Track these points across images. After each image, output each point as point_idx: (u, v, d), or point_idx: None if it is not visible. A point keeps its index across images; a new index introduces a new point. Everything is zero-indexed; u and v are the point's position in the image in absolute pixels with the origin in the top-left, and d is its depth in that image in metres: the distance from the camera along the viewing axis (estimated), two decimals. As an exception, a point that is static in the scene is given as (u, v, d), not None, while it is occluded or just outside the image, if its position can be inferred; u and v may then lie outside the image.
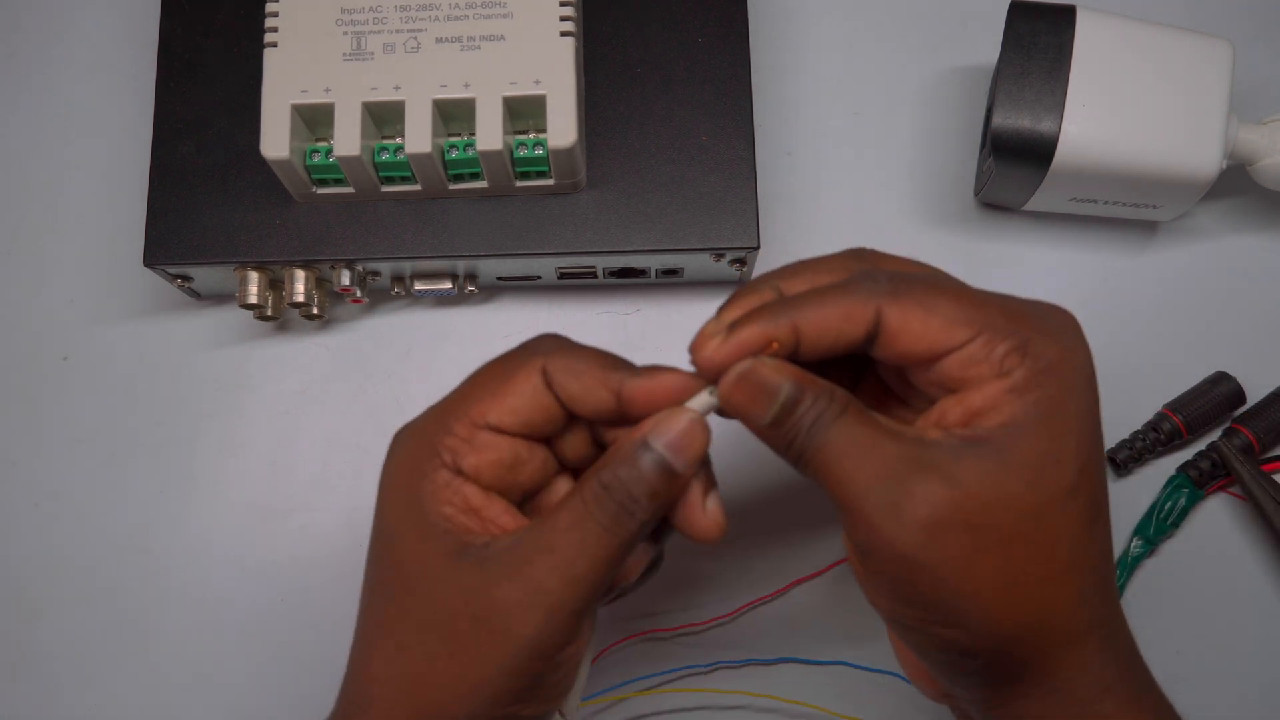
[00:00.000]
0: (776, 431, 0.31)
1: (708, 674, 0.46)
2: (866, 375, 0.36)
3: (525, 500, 0.34)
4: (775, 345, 0.32)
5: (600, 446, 0.35)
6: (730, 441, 0.37)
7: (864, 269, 0.33)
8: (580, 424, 0.34)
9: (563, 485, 0.35)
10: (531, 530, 0.32)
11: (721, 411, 0.33)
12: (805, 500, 0.47)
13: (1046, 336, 0.31)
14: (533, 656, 0.31)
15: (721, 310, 0.33)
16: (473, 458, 0.32)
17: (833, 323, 0.32)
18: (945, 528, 0.30)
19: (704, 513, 0.33)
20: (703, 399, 0.32)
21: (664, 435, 0.31)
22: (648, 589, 0.36)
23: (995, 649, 0.31)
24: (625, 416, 0.33)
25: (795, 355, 0.32)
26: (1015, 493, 0.30)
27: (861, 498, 0.30)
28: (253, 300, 0.46)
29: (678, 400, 0.32)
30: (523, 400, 0.32)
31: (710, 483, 0.34)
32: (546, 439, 0.34)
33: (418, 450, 0.33)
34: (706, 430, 0.32)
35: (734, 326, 0.32)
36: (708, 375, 0.32)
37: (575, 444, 0.35)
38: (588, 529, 0.31)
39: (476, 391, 0.33)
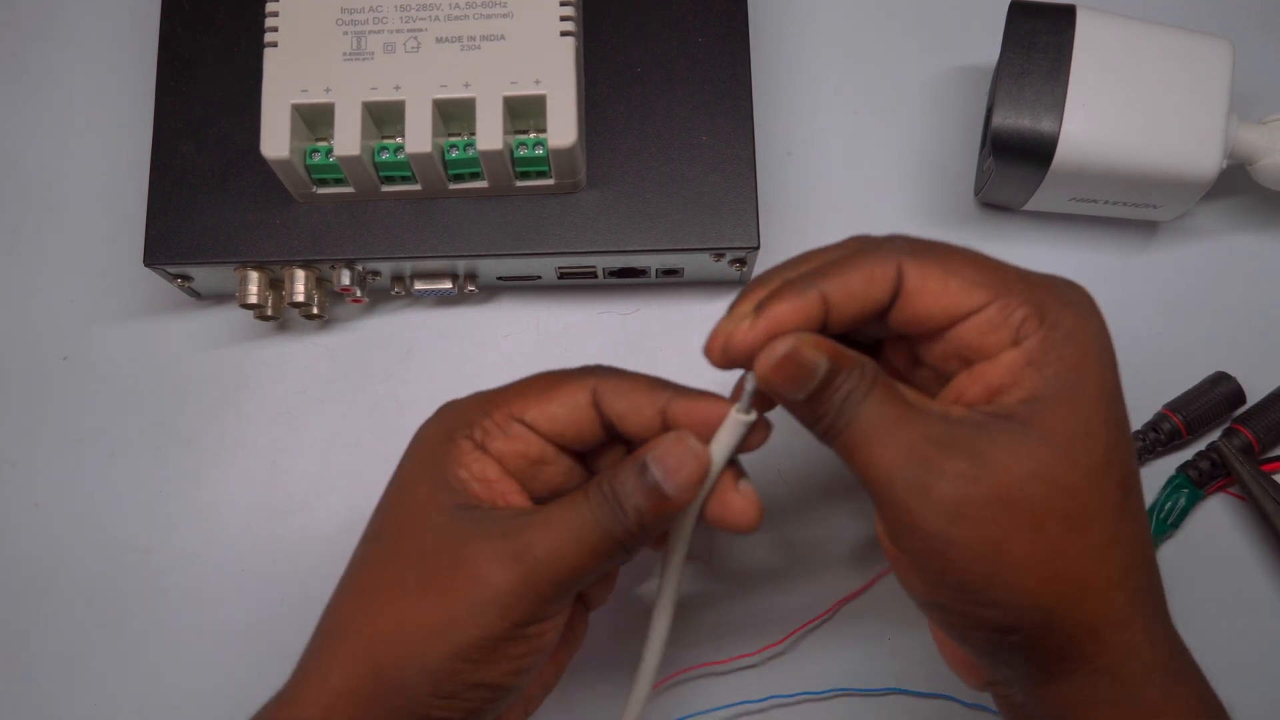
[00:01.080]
0: (811, 408, 0.31)
1: (762, 710, 0.45)
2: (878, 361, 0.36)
3: (542, 501, 0.35)
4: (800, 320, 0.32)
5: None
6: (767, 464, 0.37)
7: (881, 236, 0.33)
8: (619, 445, 0.36)
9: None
10: (532, 509, 0.33)
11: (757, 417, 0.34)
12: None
13: (1063, 304, 0.31)
14: (501, 613, 0.31)
15: (735, 305, 0.33)
16: (501, 443, 0.34)
17: (858, 286, 0.31)
18: (975, 505, 0.29)
19: (737, 493, 0.34)
20: (733, 418, 0.33)
21: (661, 461, 0.32)
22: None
23: (1036, 624, 0.30)
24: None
25: (825, 327, 0.32)
26: (1046, 469, 0.30)
27: (889, 478, 0.30)
28: (253, 300, 0.46)
29: (718, 425, 0.33)
30: (563, 410, 0.34)
31: (740, 472, 0.34)
32: (577, 452, 0.35)
33: (452, 421, 0.34)
34: (703, 464, 0.33)
35: (761, 306, 0.32)
36: (737, 362, 0.32)
37: (613, 460, 0.36)
38: (583, 518, 0.32)
39: (524, 389, 0.34)
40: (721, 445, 0.33)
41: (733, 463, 0.34)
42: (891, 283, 0.32)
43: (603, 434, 0.34)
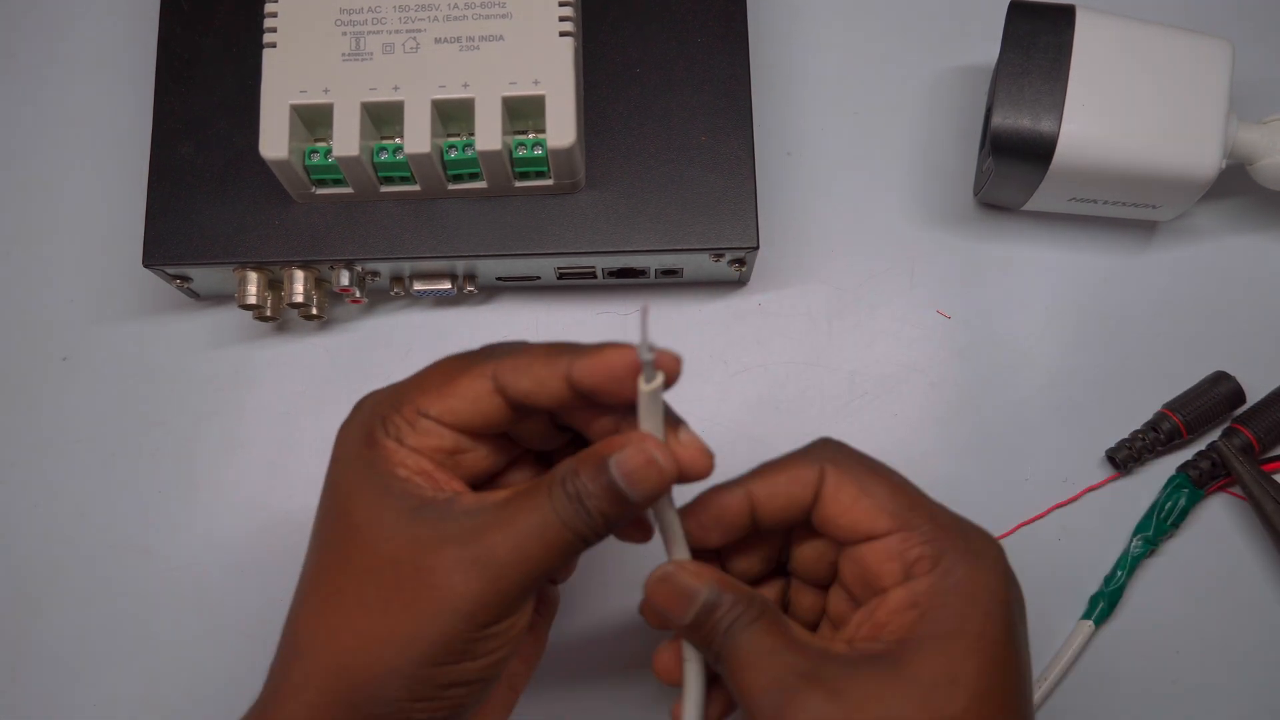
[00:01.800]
0: (695, 633, 0.33)
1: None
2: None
3: (478, 485, 0.35)
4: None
5: (560, 428, 0.35)
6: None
7: (820, 439, 0.35)
8: (538, 414, 0.35)
9: (519, 472, 0.36)
10: (495, 502, 0.32)
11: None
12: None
13: (961, 553, 0.33)
14: (468, 618, 0.31)
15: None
16: (414, 439, 0.33)
17: (782, 485, 0.34)
18: None
19: (681, 446, 0.33)
20: (643, 393, 0.32)
21: (623, 465, 0.32)
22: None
23: None
24: (585, 400, 0.33)
25: (756, 523, 0.34)
26: (903, 712, 0.31)
27: (754, 705, 0.32)
28: (252, 300, 0.46)
29: (625, 375, 0.32)
30: (462, 403, 0.33)
31: (676, 422, 0.34)
32: (491, 435, 0.35)
33: (370, 419, 0.34)
34: (664, 471, 0.32)
35: (693, 502, 0.34)
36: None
37: (534, 430, 0.35)
38: (546, 516, 0.32)
39: (426, 383, 0.34)
40: (650, 421, 0.32)
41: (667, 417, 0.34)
42: (813, 485, 0.34)
43: (513, 414, 0.34)
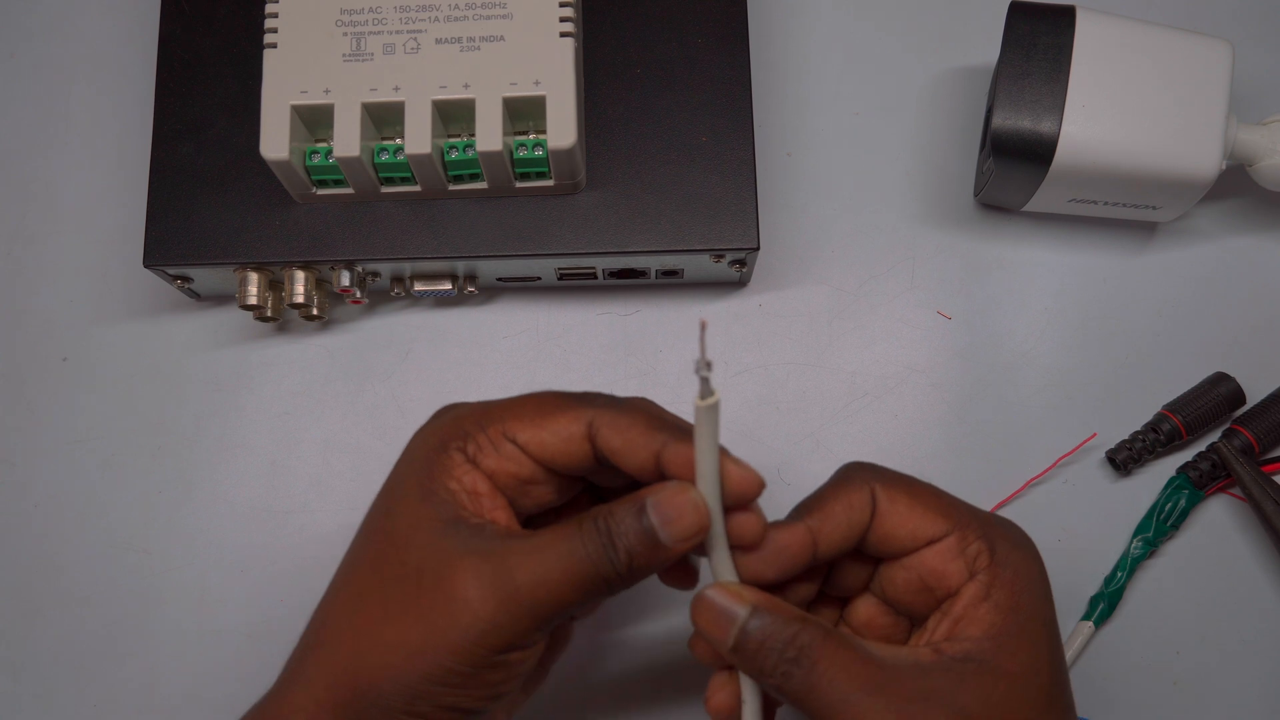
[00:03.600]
0: (742, 658, 0.33)
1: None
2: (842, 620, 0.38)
3: (536, 518, 0.35)
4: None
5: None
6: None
7: (849, 464, 0.36)
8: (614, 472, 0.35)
9: (575, 510, 0.37)
10: (525, 532, 0.33)
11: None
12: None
13: (1010, 544, 0.34)
14: (480, 640, 0.31)
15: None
16: (492, 460, 0.33)
17: (840, 514, 0.34)
18: None
19: (735, 465, 0.33)
20: (697, 408, 0.32)
21: (660, 509, 0.32)
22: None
23: None
24: (665, 478, 0.33)
25: (815, 556, 0.34)
26: (1005, 704, 0.32)
27: None
28: (252, 301, 0.46)
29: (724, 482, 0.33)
30: (555, 439, 0.33)
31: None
32: (567, 475, 0.35)
33: (448, 430, 0.34)
34: (702, 518, 0.32)
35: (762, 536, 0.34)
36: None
37: (614, 478, 0.36)
38: (574, 550, 0.32)
39: (520, 409, 0.34)
40: (705, 438, 0.32)
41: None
42: (867, 506, 0.34)
43: (594, 463, 0.34)
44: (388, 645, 0.32)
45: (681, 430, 0.33)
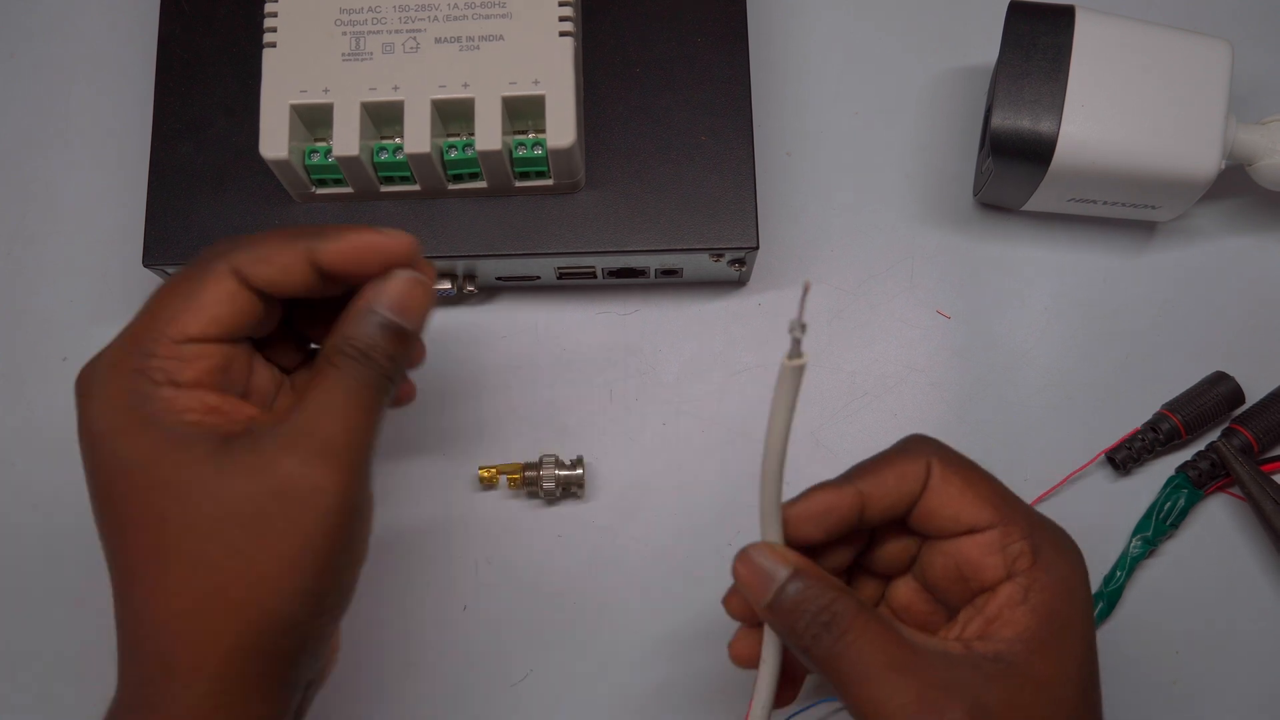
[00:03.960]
0: (776, 615, 0.33)
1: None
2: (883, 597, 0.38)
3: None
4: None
5: (303, 347, 0.37)
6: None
7: (915, 435, 0.36)
8: (283, 333, 0.36)
9: (264, 374, 0.36)
10: (295, 405, 0.32)
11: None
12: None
13: (1057, 551, 0.34)
14: (344, 511, 0.31)
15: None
16: (188, 371, 0.32)
17: (891, 482, 0.34)
18: None
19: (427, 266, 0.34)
20: (784, 366, 0.31)
21: (385, 298, 0.33)
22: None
23: None
24: (331, 285, 0.33)
25: (861, 520, 0.35)
26: (1031, 710, 0.31)
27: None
28: (252, 300, 0.46)
29: (378, 257, 0.33)
30: (219, 308, 0.32)
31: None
32: (248, 337, 0.34)
33: (124, 381, 0.32)
34: (427, 287, 0.33)
35: (799, 497, 0.34)
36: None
37: (285, 354, 0.36)
38: (349, 385, 0.32)
39: (169, 309, 0.32)
40: (784, 396, 0.32)
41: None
42: (921, 478, 0.34)
43: (262, 308, 0.33)
44: (262, 577, 0.30)
45: (321, 229, 0.33)
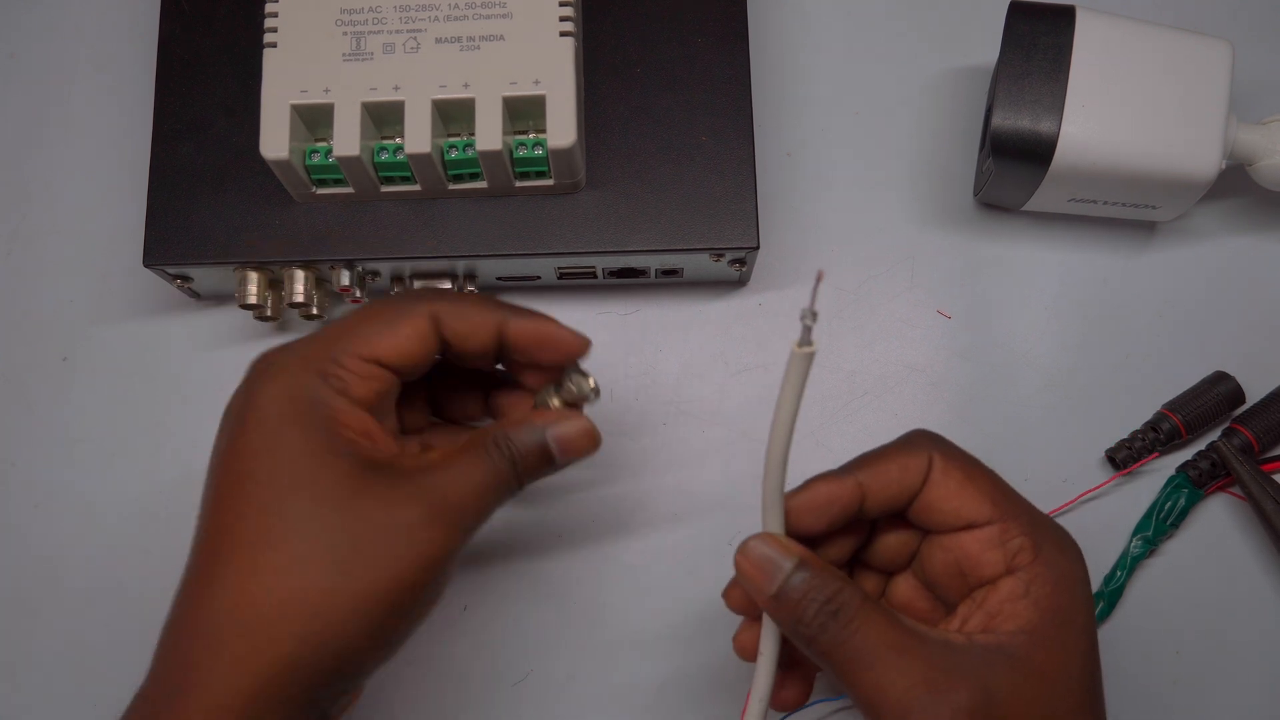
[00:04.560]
0: (780, 606, 0.33)
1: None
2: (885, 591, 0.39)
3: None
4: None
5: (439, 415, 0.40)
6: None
7: (917, 430, 0.37)
8: (464, 389, 0.40)
9: (393, 421, 0.38)
10: (439, 457, 0.34)
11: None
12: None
13: (1057, 547, 0.34)
14: (437, 569, 0.33)
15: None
16: (362, 389, 0.34)
17: (893, 474, 0.35)
18: None
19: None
20: (794, 353, 0.32)
21: (558, 430, 0.36)
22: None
23: None
24: (507, 354, 0.37)
25: (862, 511, 0.35)
26: (1040, 702, 0.32)
27: (905, 706, 0.31)
28: (252, 300, 0.46)
29: (556, 344, 0.37)
30: (411, 342, 0.35)
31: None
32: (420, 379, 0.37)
33: (305, 377, 0.34)
34: (595, 441, 0.37)
35: (801, 488, 0.35)
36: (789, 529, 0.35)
37: (414, 415, 0.40)
38: (486, 465, 0.34)
39: (365, 327, 0.35)
40: (792, 382, 0.32)
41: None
42: (922, 472, 0.35)
43: (434, 357, 0.36)
44: (348, 596, 0.31)
45: (517, 308, 0.36)
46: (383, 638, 0.33)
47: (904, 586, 0.38)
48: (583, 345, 0.37)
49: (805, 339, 0.31)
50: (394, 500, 0.33)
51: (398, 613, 0.32)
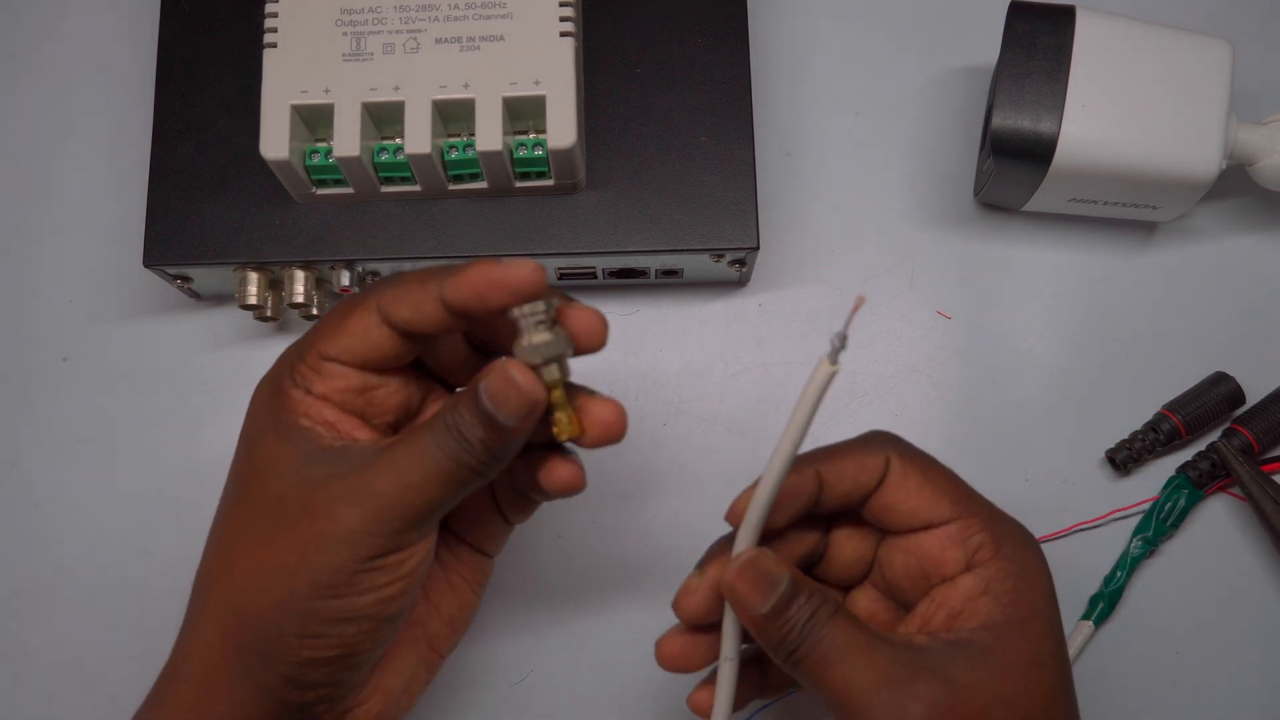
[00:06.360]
0: (772, 623, 0.33)
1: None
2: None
3: (399, 421, 0.36)
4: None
5: (473, 347, 0.36)
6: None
7: (876, 430, 0.37)
8: (429, 340, 0.35)
9: (434, 407, 0.37)
10: (382, 444, 0.33)
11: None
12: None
13: (1017, 542, 0.34)
14: (349, 548, 0.32)
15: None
16: (320, 384, 0.34)
17: (850, 470, 0.35)
18: None
19: (599, 403, 0.34)
20: (822, 369, 0.31)
21: (489, 392, 0.32)
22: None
23: None
24: (461, 320, 0.33)
25: (817, 506, 0.35)
26: (1008, 693, 0.32)
27: (867, 700, 0.32)
28: (252, 301, 0.46)
29: (500, 290, 0.32)
30: (355, 340, 0.34)
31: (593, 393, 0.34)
32: (398, 368, 0.35)
33: (279, 371, 0.35)
34: (524, 386, 0.32)
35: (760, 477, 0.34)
36: (733, 519, 0.35)
37: (449, 359, 0.37)
38: (428, 450, 0.32)
39: (321, 329, 0.35)
40: (807, 405, 0.32)
41: (585, 389, 0.34)
42: (879, 470, 0.35)
43: (407, 344, 0.34)
44: (262, 572, 0.33)
45: (451, 268, 0.33)
46: (308, 622, 0.32)
47: (864, 599, 0.38)
48: (529, 275, 0.31)
49: (833, 359, 0.31)
50: (319, 483, 0.32)
51: (318, 595, 0.32)
